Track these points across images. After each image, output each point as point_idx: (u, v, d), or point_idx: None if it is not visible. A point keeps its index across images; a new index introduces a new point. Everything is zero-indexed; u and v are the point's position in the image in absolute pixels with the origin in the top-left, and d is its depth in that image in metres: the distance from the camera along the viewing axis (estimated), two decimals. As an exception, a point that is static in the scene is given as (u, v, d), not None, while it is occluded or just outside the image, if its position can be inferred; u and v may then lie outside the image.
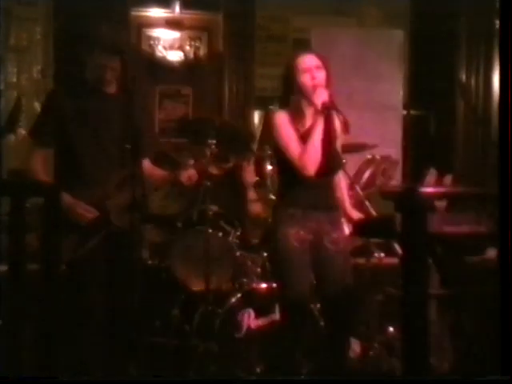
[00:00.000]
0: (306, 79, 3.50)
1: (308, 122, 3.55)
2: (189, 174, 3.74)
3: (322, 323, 3.91)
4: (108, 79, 3.59)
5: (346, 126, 3.65)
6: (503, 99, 2.31)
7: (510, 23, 2.32)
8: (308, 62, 3.53)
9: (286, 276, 3.55)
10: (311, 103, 3.49)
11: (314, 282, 3.68)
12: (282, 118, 3.56)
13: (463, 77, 6.20)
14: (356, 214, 3.79)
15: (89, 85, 3.63)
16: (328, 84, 3.54)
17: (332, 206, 3.64)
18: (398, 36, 6.19)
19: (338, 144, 3.69)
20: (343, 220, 3.74)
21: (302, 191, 3.55)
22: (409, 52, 6.34)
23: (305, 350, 3.87)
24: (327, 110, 3.46)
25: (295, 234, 3.52)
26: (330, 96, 3.52)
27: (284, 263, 3.56)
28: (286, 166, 3.55)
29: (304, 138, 3.50)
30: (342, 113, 3.64)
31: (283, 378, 3.55)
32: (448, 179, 4.38)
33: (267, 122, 6.11)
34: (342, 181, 3.80)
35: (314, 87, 3.47)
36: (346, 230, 3.75)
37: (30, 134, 3.72)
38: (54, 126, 3.60)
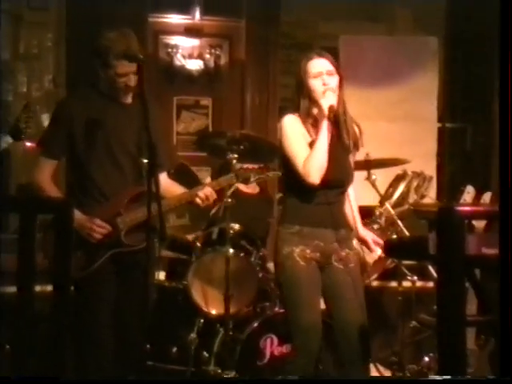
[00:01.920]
0: (316, 84, 3.52)
1: (319, 130, 3.52)
2: (205, 193, 3.74)
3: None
4: (122, 89, 3.61)
5: (358, 140, 3.65)
6: (503, 102, 2.30)
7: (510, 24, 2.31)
8: (319, 66, 3.54)
9: (295, 298, 3.53)
10: (320, 108, 3.49)
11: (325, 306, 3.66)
12: (289, 122, 3.56)
13: (503, 86, 6.14)
14: (369, 235, 3.77)
15: (101, 94, 3.66)
16: (340, 91, 3.56)
17: (341, 224, 3.61)
18: (432, 42, 6.17)
19: (351, 158, 3.68)
20: (354, 238, 3.72)
21: (308, 207, 3.54)
22: (444, 60, 6.32)
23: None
24: (334, 115, 3.47)
25: (301, 253, 3.51)
26: (341, 102, 3.55)
27: (291, 284, 3.54)
28: (292, 178, 3.54)
29: (313, 145, 3.49)
30: (358, 123, 3.65)
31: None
32: (487, 197, 4.35)
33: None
34: (351, 196, 3.75)
35: (324, 92, 3.50)
36: (357, 247, 3.72)
37: (39, 144, 3.75)
38: (64, 136, 3.63)
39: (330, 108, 3.45)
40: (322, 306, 3.67)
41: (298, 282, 3.51)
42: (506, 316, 2.16)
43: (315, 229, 3.55)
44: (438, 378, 2.20)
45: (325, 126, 3.46)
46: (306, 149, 3.49)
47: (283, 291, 3.66)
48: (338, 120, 3.56)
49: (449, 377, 2.17)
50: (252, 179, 4.01)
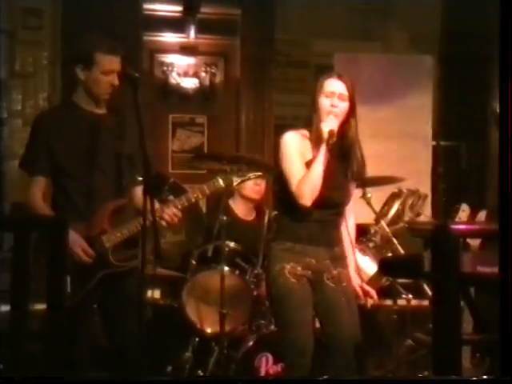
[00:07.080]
0: (325, 103, 3.51)
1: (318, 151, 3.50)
2: (168, 214, 3.63)
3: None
4: (106, 91, 3.57)
5: (362, 170, 3.65)
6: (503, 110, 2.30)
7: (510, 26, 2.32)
8: (333, 86, 3.52)
9: (286, 315, 3.51)
10: (320, 132, 3.46)
11: (318, 325, 3.65)
12: (289, 140, 3.55)
13: (497, 104, 6.18)
14: (357, 281, 3.70)
15: (76, 107, 3.62)
16: (353, 118, 3.55)
17: (334, 242, 3.61)
18: (427, 61, 6.20)
19: (350, 182, 3.64)
20: (347, 257, 3.70)
21: (301, 224, 3.53)
22: (438, 78, 6.35)
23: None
24: (332, 140, 3.44)
25: (291, 270, 3.50)
26: (353, 129, 3.55)
27: (282, 301, 3.52)
28: (286, 195, 3.51)
29: (310, 165, 3.48)
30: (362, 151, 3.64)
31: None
32: (482, 215, 4.36)
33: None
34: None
35: (328, 114, 3.49)
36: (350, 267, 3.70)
37: (21, 166, 3.70)
38: (45, 152, 3.59)
39: (330, 133, 3.42)
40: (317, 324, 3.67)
41: (289, 299, 3.49)
42: (505, 315, 2.15)
43: (308, 246, 3.53)
44: (437, 378, 2.19)
45: (322, 150, 3.44)
46: (301, 169, 3.47)
47: (274, 307, 3.66)
48: (344, 145, 3.56)
49: (448, 376, 2.16)
50: (235, 183, 3.95)
